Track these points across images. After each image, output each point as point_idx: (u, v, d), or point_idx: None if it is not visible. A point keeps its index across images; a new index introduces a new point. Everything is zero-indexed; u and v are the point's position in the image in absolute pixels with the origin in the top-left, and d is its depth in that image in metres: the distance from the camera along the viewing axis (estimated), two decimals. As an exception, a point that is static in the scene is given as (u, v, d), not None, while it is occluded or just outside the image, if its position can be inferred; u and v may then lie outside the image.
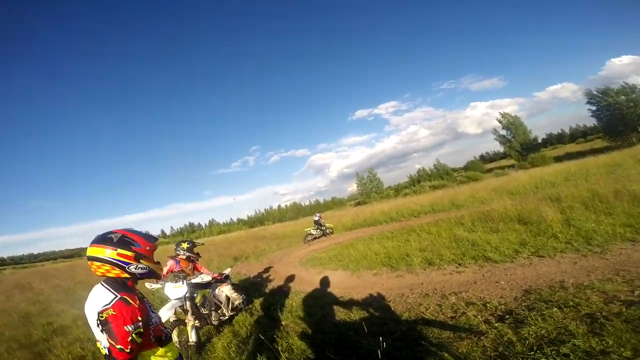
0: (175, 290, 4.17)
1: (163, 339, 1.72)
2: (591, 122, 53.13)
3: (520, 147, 53.67)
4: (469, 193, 16.12)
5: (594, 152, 29.83)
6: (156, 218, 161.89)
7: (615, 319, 2.71)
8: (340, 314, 4.45)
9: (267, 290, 6.65)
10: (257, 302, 5.59)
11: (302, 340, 3.74)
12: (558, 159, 34.87)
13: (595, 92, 44.34)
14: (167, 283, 4.22)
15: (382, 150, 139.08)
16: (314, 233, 14.39)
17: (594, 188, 7.95)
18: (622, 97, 41.31)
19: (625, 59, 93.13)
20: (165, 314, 3.94)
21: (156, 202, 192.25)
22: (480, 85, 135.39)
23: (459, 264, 5.49)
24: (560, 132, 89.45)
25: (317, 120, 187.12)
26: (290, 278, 7.31)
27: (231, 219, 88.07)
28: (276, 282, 7.34)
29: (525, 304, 3.47)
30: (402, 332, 3.47)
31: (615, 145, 37.75)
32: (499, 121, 56.88)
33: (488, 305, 3.67)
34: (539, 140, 60.28)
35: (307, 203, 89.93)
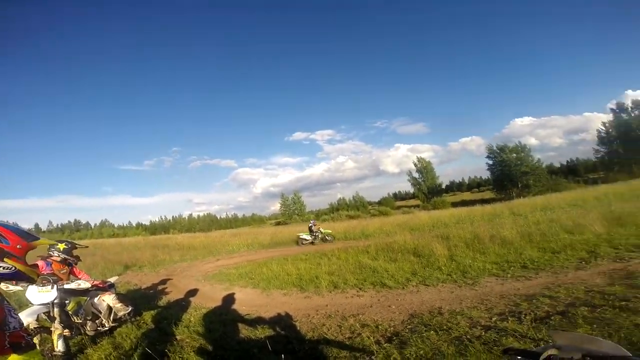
0: (41, 295, 3.56)
1: (22, 346, 1.48)
2: (486, 174, 62.76)
3: (427, 190, 60.52)
4: (378, 225, 17.60)
5: (483, 201, 35.09)
6: (32, 209, 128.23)
7: (476, 341, 3.15)
8: (245, 331, 4.34)
9: (161, 303, 6.11)
10: (148, 315, 5.09)
11: (199, 356, 3.52)
12: (455, 205, 40.09)
13: (494, 148, 52.78)
14: (30, 286, 3.55)
15: (311, 175, 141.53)
16: (307, 238, 15.02)
17: (475, 231, 9.32)
18: (514, 154, 49.91)
19: (526, 120, 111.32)
20: (24, 320, 3.30)
21: (36, 189, 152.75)
22: (407, 128, 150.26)
23: (360, 289, 5.87)
24: (460, 181, 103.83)
25: (253, 134, 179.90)
26: (192, 292, 6.85)
27: (130, 222, 79.45)
28: (173, 295, 6.79)
29: (410, 327, 3.85)
30: (304, 351, 3.53)
31: (499, 197, 45.16)
32: (415, 164, 63.77)
33: (380, 327, 3.97)
34: (443, 186, 69.08)
35: (223, 216, 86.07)
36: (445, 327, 3.61)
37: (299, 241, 15.19)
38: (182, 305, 5.91)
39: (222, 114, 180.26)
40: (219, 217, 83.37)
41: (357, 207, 56.92)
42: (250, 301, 6.00)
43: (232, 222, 76.23)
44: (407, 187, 71.89)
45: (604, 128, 50.93)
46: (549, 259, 5.99)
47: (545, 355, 0.88)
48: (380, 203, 68.63)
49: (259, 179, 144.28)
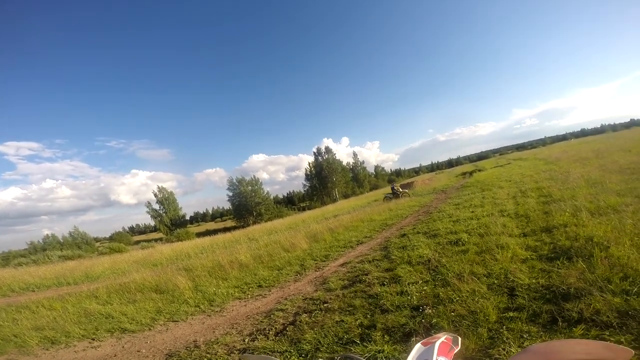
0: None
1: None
2: (227, 205, 67.73)
3: (170, 222, 57.55)
4: (108, 265, 15.05)
5: (226, 230, 37.47)
6: None
7: None
8: None
9: None
10: None
11: None
12: (199, 235, 40.39)
13: (234, 181, 57.90)
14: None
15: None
16: (391, 196, 20.63)
17: (217, 259, 9.78)
18: (249, 187, 56.74)
19: (261, 157, 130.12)
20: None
21: None
22: (149, 153, 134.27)
23: (93, 339, 5.09)
24: (205, 211, 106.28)
25: None
26: None
27: None
28: None
29: None
30: None
31: (240, 225, 49.92)
32: (155, 194, 59.10)
33: None
34: (187, 217, 67.94)
35: None
36: (205, 359, 3.65)
37: (385, 198, 20.91)
38: None
39: None
40: None
41: (77, 245, 44.92)
42: None
43: None
44: (147, 219, 65.09)
45: (309, 167, 68.79)
46: (276, 276, 7.08)
47: None
48: (112, 238, 57.90)
49: None
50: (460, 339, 1.21)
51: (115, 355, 4.33)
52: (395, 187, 21.73)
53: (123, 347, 4.61)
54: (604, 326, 2.55)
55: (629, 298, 2.80)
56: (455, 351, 1.13)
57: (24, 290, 11.37)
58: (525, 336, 2.64)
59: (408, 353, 1.06)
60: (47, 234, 50.02)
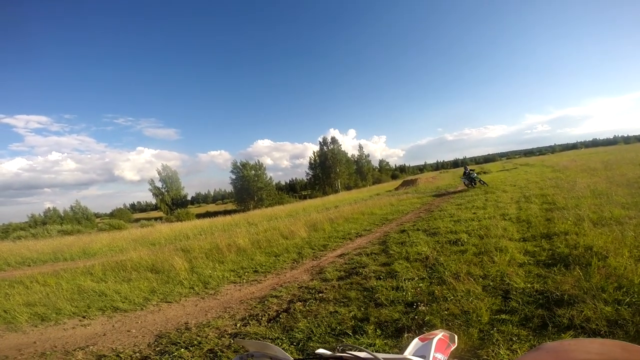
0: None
1: None
2: (229, 188, 67.85)
3: (171, 201, 58.01)
4: (107, 241, 15.13)
5: (226, 212, 37.68)
6: None
7: (227, 350, 3.32)
8: None
9: None
10: None
11: None
12: (200, 216, 40.65)
13: (238, 164, 58.05)
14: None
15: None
16: (467, 181, 17.42)
17: (215, 242, 9.86)
18: (252, 172, 56.87)
19: (267, 142, 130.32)
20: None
21: None
22: (155, 131, 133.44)
23: (84, 317, 5.09)
24: (206, 192, 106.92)
25: None
26: None
27: None
28: None
29: (158, 348, 3.64)
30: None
31: (240, 208, 50.22)
32: (159, 172, 59.45)
33: (122, 355, 3.59)
34: (189, 198, 68.37)
35: None
36: (195, 342, 3.62)
37: (464, 181, 18.12)
38: None
39: None
40: None
41: (77, 219, 45.43)
42: None
43: None
44: (148, 197, 65.64)
45: (313, 156, 68.55)
46: (273, 262, 7.09)
47: None
48: (112, 215, 58.53)
49: None
50: (456, 337, 1.21)
51: (104, 335, 4.33)
52: (469, 171, 17.69)
53: (113, 326, 4.62)
54: (592, 333, 2.55)
55: (619, 307, 2.80)
56: (452, 349, 1.13)
57: (20, 265, 11.52)
58: (514, 339, 2.65)
59: (400, 348, 1.06)
60: (49, 207, 50.67)
